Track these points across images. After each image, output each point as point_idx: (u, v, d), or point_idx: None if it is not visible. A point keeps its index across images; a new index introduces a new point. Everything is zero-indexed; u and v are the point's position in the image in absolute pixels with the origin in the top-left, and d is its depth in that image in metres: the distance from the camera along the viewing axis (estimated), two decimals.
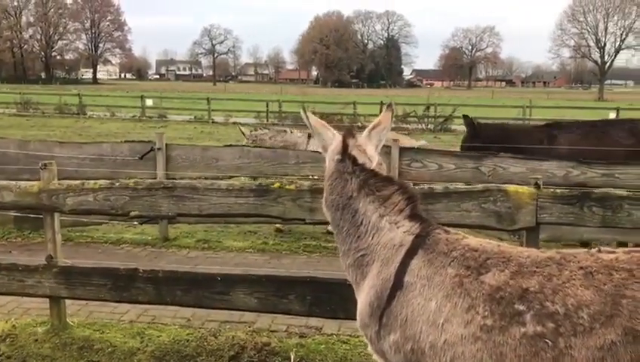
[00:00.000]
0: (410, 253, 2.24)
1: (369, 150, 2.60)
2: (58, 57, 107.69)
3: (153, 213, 4.71)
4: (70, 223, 7.63)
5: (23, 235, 7.93)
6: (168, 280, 4.58)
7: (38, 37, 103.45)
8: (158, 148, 7.65)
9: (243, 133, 9.43)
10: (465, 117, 8.49)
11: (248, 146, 7.95)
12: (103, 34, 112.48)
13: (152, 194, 4.52)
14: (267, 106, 31.42)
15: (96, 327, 4.97)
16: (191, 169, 7.76)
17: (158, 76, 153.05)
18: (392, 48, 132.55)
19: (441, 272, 2.14)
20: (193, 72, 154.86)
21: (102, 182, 4.62)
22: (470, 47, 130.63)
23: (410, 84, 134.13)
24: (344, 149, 2.51)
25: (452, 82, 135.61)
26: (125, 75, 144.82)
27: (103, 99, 39.81)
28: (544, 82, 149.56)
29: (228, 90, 70.77)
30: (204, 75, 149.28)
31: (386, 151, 7.31)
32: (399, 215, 2.37)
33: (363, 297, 2.37)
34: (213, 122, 30.32)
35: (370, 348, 2.40)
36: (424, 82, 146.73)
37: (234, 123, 25.19)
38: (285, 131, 9.25)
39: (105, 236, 7.92)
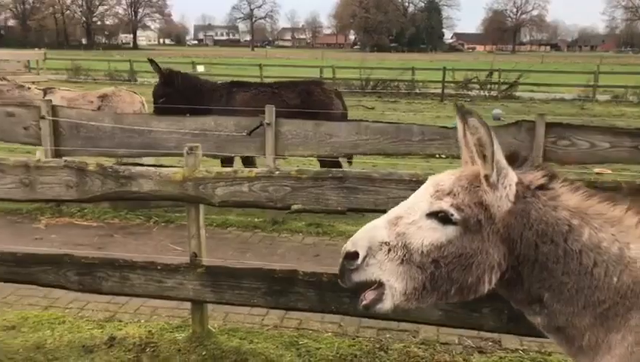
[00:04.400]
0: None
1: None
2: (99, 23, 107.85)
3: (319, 207, 3.97)
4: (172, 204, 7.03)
5: (120, 216, 7.36)
6: (334, 285, 3.87)
7: (80, 2, 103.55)
8: (268, 124, 6.92)
9: None
10: (150, 61, 8.69)
11: (366, 121, 7.14)
12: None
13: (318, 184, 3.81)
14: (321, 72, 30.39)
15: (241, 335, 4.34)
16: (302, 146, 7.03)
17: (196, 42, 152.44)
18: (433, 11, 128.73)
19: None
20: (230, 37, 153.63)
21: (259, 170, 3.92)
22: (515, 10, 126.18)
23: (452, 48, 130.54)
24: (548, 175, 1.82)
25: (495, 46, 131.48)
26: (164, 41, 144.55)
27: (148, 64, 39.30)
28: (591, 46, 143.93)
29: (269, 56, 69.67)
30: (241, 40, 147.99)
31: (529, 127, 6.44)
32: None
33: (619, 358, 1.68)
34: None
35: None
36: (465, 46, 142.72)
37: None
38: (23, 86, 9.44)
39: (208, 218, 7.28)
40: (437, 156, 6.65)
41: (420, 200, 1.82)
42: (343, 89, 28.52)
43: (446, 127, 6.87)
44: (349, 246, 1.81)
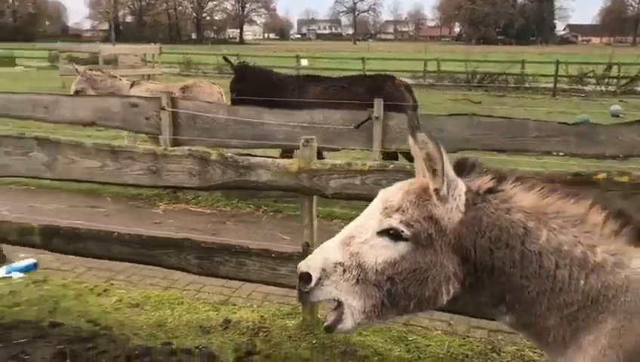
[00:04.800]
0: None
1: None
2: (208, 18, 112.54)
3: None
4: (280, 194, 7.22)
5: (232, 204, 7.65)
6: None
7: None
8: (376, 117, 6.91)
9: (77, 70, 10.06)
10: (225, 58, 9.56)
11: (478, 116, 6.95)
12: None
13: None
14: (425, 65, 29.91)
15: None
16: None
17: (299, 36, 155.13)
18: (545, 1, 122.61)
19: None
20: (333, 30, 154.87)
21: (372, 163, 3.92)
22: None
23: (564, 40, 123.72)
24: (496, 177, 1.76)
25: (613, 38, 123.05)
26: (268, 36, 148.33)
27: (255, 59, 40.50)
28: None
29: (372, 49, 69.46)
30: (343, 34, 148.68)
31: None
32: (617, 241, 1.64)
33: (591, 360, 1.63)
34: None
35: None
36: (580, 38, 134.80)
37: None
38: (115, 77, 10.00)
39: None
40: (554, 154, 6.32)
41: (370, 218, 1.79)
42: (447, 82, 27.98)
43: (566, 124, 6.53)
44: (302, 268, 1.79)
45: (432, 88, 26.45)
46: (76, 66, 11.12)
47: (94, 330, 4.39)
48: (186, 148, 4.53)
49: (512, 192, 1.74)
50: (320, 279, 1.76)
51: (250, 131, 7.66)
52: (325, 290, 1.78)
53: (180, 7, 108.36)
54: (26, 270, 5.42)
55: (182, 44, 78.21)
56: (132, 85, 9.89)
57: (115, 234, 4.67)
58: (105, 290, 5.02)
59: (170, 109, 7.76)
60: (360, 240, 1.77)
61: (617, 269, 1.63)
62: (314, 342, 4.15)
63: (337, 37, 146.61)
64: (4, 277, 5.27)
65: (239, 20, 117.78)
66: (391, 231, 1.74)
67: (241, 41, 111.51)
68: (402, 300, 1.76)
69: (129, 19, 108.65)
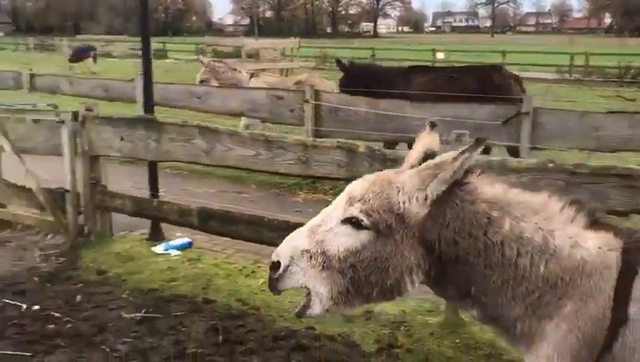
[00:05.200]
0: (628, 274, 1.62)
1: None
2: (343, 12, 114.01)
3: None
4: None
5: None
6: None
7: None
8: (525, 113, 6.61)
9: (202, 62, 10.68)
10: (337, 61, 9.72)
11: (638, 113, 6.41)
12: None
13: (597, 181, 3.51)
14: (571, 59, 28.04)
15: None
16: (561, 139, 6.58)
17: (433, 28, 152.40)
18: None
19: None
20: (469, 23, 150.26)
21: (529, 161, 3.76)
22: None
23: None
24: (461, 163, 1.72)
25: None
26: (402, 29, 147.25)
27: (389, 52, 40.33)
28: None
29: (511, 42, 66.40)
30: (481, 26, 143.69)
31: None
32: (572, 226, 1.71)
33: (555, 348, 1.67)
34: None
35: None
36: None
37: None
38: (235, 69, 10.62)
39: None
40: None
41: (337, 208, 1.84)
42: (596, 77, 26.03)
43: None
44: (273, 256, 1.84)
45: (579, 83, 24.75)
46: (201, 58, 11.85)
47: (243, 309, 4.65)
48: (335, 140, 4.63)
49: (478, 184, 1.78)
50: (288, 266, 1.82)
51: (390, 124, 7.67)
52: (293, 278, 1.83)
53: (317, 2, 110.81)
54: (182, 248, 5.85)
55: (317, 38, 79.93)
56: (251, 77, 10.45)
57: (265, 219, 4.90)
58: (252, 272, 5.28)
59: (314, 102, 7.97)
60: (325, 229, 1.81)
61: (574, 251, 1.68)
62: (457, 341, 4.08)
63: (473, 30, 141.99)
64: (163, 253, 5.73)
65: (374, 14, 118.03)
66: (353, 220, 1.77)
67: (375, 35, 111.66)
68: (365, 288, 1.80)
69: (268, 14, 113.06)
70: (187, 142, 5.22)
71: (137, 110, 10.11)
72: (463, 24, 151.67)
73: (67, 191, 5.90)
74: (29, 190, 6.08)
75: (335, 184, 7.88)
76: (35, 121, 6.23)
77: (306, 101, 7.99)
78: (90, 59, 27.64)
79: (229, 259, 5.66)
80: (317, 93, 8.12)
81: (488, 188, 1.77)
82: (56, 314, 4.51)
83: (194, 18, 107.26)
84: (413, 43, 63.12)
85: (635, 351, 1.59)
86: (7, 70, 14.25)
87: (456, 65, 20.76)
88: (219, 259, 5.64)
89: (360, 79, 8.78)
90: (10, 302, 4.73)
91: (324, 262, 1.80)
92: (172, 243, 5.93)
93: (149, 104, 6.13)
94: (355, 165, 4.35)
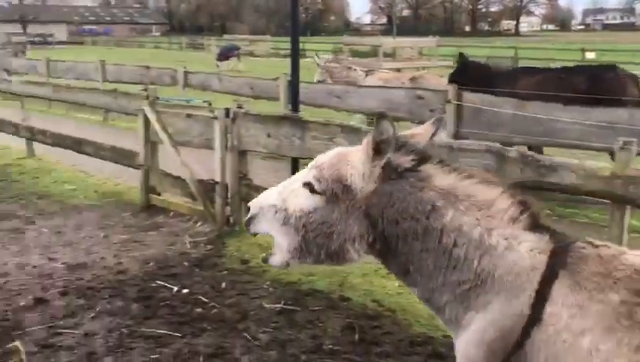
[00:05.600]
0: (549, 277, 1.69)
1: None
2: (483, 10, 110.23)
3: None
4: (564, 198, 6.71)
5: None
6: None
7: None
8: None
9: (318, 64, 10.78)
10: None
11: None
12: None
13: None
14: None
15: None
16: None
17: (582, 27, 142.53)
18: None
19: (600, 298, 1.61)
20: (624, 20, 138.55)
21: None
22: None
23: None
24: (417, 158, 1.90)
25: None
26: (546, 27, 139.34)
27: (533, 52, 38.26)
28: None
29: None
30: (637, 23, 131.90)
31: None
32: (514, 227, 1.78)
33: (474, 337, 1.78)
34: None
35: None
36: None
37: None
38: (350, 68, 10.66)
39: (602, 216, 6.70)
40: None
41: (304, 172, 2.04)
42: None
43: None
44: (249, 203, 2.14)
45: None
46: (316, 59, 11.95)
47: (379, 310, 4.63)
48: (484, 143, 4.45)
49: (431, 173, 1.87)
50: (257, 214, 2.08)
51: (537, 128, 7.25)
52: (260, 225, 2.09)
53: (456, 0, 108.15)
54: None
55: (455, 37, 78.02)
56: (366, 75, 10.52)
57: None
58: (388, 273, 5.24)
59: (456, 102, 7.76)
60: (291, 189, 2.03)
61: (507, 252, 1.75)
62: None
63: (629, 27, 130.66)
64: None
65: (516, 12, 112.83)
66: (309, 185, 1.96)
67: (517, 33, 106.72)
68: (314, 248, 1.99)
69: (405, 13, 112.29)
70: (330, 141, 5.29)
71: (280, 108, 10.50)
72: (617, 21, 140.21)
73: (217, 182, 6.26)
74: (182, 180, 6.52)
75: None
76: (189, 116, 6.68)
77: (448, 101, 7.79)
78: (235, 58, 29.20)
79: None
80: (459, 93, 7.89)
81: (442, 178, 1.86)
82: (204, 299, 4.80)
83: (332, 18, 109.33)
84: (558, 42, 59.54)
85: (541, 350, 1.67)
86: (165, 67, 15.45)
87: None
88: None
89: (471, 78, 8.69)
90: (163, 283, 5.11)
91: (285, 218, 2.01)
92: None
93: (295, 102, 6.31)
94: (504, 171, 4.15)
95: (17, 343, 4.06)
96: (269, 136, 5.83)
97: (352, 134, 5.12)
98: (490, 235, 1.77)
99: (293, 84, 6.32)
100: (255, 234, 2.18)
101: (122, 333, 4.27)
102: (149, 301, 4.79)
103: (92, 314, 4.54)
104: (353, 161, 1.93)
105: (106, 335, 4.25)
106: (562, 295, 1.67)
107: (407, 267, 1.90)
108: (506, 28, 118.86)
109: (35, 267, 5.47)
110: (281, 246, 2.06)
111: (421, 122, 8.26)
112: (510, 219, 1.79)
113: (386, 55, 24.96)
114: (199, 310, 4.63)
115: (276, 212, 2.03)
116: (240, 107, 6.05)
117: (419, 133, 2.06)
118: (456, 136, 7.63)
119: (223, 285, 5.08)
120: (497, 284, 1.75)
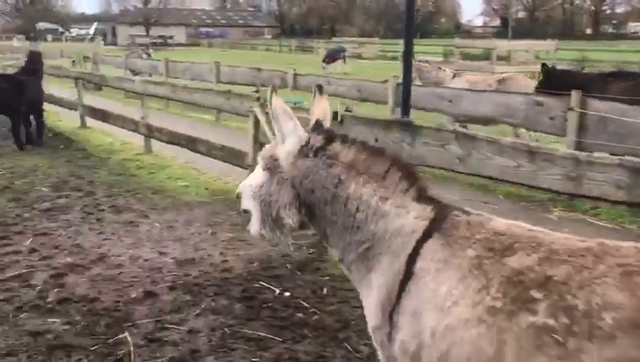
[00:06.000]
0: (422, 238, 2.02)
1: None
2: (608, 11, 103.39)
3: None
4: None
5: (638, 221, 6.72)
6: None
7: None
8: None
9: None
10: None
11: None
12: None
13: None
14: None
15: None
16: None
17: None
18: None
19: (460, 254, 1.91)
20: None
21: None
22: None
23: None
24: (326, 138, 2.29)
25: None
26: None
27: None
28: None
29: None
30: None
31: None
32: (404, 197, 2.13)
33: (373, 295, 2.13)
34: None
35: (380, 356, 2.16)
36: None
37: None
38: (440, 68, 10.84)
39: None
40: None
41: None
42: None
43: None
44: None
45: None
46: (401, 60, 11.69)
47: None
48: (616, 157, 4.04)
49: (338, 150, 2.23)
50: (241, 193, 2.51)
51: None
52: (244, 202, 2.49)
53: (578, 1, 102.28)
54: None
55: (575, 40, 73.79)
56: (454, 76, 10.37)
57: None
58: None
59: (579, 110, 7.20)
60: (257, 169, 2.45)
61: (397, 218, 2.09)
62: None
63: None
64: None
65: None
66: (259, 162, 2.42)
67: None
68: (266, 217, 2.38)
69: (520, 15, 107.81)
70: (442, 147, 5.06)
71: (387, 111, 10.31)
72: None
73: None
74: None
75: (597, 204, 7.04)
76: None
77: (571, 108, 7.25)
78: (341, 61, 29.32)
79: None
80: (583, 101, 7.32)
81: (347, 154, 2.21)
82: (305, 304, 4.73)
83: (443, 20, 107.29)
84: None
85: (413, 299, 1.94)
86: (276, 70, 15.75)
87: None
88: None
89: (558, 85, 8.36)
90: (265, 284, 5.11)
91: (252, 194, 2.42)
92: None
93: (406, 106, 6.12)
94: (639, 187, 3.73)
95: (127, 334, 4.20)
96: (376, 140, 5.68)
97: (468, 142, 4.86)
98: (385, 203, 2.12)
99: (405, 87, 6.13)
100: (246, 211, 2.50)
101: (225, 333, 4.29)
102: (252, 301, 4.80)
103: (197, 311, 4.61)
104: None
105: (209, 333, 4.29)
106: (432, 252, 1.96)
107: (325, 229, 2.29)
108: (633, 31, 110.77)
109: (146, 260, 5.67)
110: (255, 218, 2.45)
111: (538, 130, 7.79)
112: (401, 191, 2.13)
113: (499, 58, 23.98)
114: (300, 315, 4.57)
115: (251, 191, 2.44)
116: (349, 110, 5.95)
117: (319, 111, 2.41)
118: (579, 147, 7.08)
119: (325, 291, 4.99)
120: (387, 245, 2.09)
